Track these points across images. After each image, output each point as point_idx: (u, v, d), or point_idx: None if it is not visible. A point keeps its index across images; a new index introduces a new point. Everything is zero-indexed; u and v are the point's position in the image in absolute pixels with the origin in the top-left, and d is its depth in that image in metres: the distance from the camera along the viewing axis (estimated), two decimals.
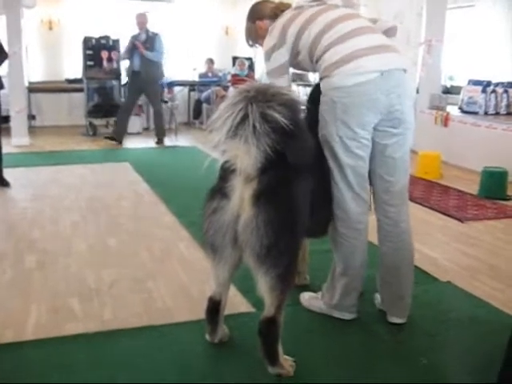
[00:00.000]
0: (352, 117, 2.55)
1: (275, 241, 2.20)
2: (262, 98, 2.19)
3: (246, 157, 2.18)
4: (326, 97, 2.60)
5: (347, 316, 2.86)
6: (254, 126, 2.15)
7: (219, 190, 2.31)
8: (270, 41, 2.76)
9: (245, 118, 2.16)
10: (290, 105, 2.24)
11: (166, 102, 10.20)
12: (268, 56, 2.76)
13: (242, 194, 2.23)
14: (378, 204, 2.79)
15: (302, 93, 10.95)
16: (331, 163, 2.66)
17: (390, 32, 2.83)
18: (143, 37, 8.47)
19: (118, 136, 8.53)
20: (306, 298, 3.05)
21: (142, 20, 8.56)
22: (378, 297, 3.03)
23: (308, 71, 2.67)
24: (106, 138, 8.59)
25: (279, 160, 2.20)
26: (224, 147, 2.23)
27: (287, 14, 2.78)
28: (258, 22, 2.98)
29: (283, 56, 2.73)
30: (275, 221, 2.21)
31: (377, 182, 2.75)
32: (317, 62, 2.65)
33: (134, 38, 8.47)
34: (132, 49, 8.42)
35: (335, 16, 2.67)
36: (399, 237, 2.79)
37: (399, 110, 2.59)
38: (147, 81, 8.43)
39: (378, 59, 2.54)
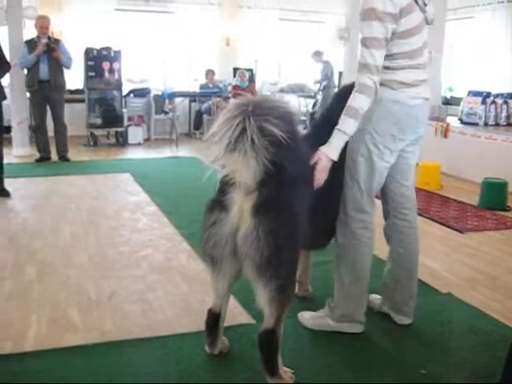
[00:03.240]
0: (400, 132, 2.68)
1: (275, 252, 2.21)
2: (260, 111, 2.21)
3: (245, 170, 2.20)
4: (383, 106, 2.65)
5: (358, 329, 2.86)
6: (253, 140, 2.17)
7: (219, 202, 2.33)
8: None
9: (243, 132, 2.18)
10: (286, 118, 2.28)
11: (166, 112, 10.25)
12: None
13: (241, 206, 2.25)
14: (394, 209, 2.89)
15: (302, 104, 11.03)
16: (361, 167, 2.71)
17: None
18: (44, 42, 7.64)
19: (46, 154, 7.96)
20: (306, 317, 2.99)
21: (44, 24, 7.75)
22: (375, 301, 3.10)
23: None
24: (37, 160, 7.89)
25: (278, 172, 2.22)
26: (223, 161, 2.25)
27: None
28: None
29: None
30: (275, 232, 2.22)
31: (393, 187, 2.86)
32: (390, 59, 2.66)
33: (37, 42, 7.63)
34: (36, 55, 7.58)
35: (424, 40, 2.70)
36: (414, 238, 2.94)
37: (422, 130, 2.82)
38: (55, 90, 7.73)
39: (425, 89, 2.72)
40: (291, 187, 2.33)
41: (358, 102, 2.52)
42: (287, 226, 2.28)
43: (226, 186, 2.30)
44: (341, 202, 2.80)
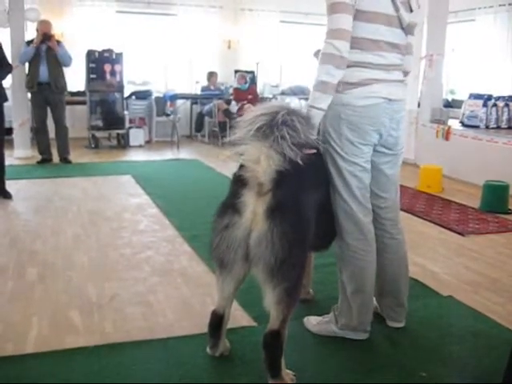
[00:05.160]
0: (358, 135, 2.61)
1: (288, 255, 2.22)
2: (296, 116, 2.32)
3: (267, 163, 2.22)
4: (333, 111, 2.60)
5: (362, 336, 2.83)
6: (283, 137, 2.24)
7: (231, 205, 2.32)
8: None
9: (282, 124, 2.26)
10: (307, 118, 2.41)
11: (168, 114, 10.26)
12: None
13: (255, 208, 2.25)
14: (374, 219, 2.82)
15: (303, 106, 11.02)
16: (335, 177, 2.68)
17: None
18: (45, 46, 7.68)
19: (48, 156, 7.97)
20: (313, 323, 2.96)
21: (47, 29, 7.74)
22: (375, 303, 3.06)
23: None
24: (39, 162, 7.89)
25: (291, 174, 2.24)
26: (244, 148, 2.28)
27: None
28: None
29: None
30: (289, 234, 2.23)
31: (371, 198, 2.79)
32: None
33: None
34: (35, 57, 7.65)
35: (389, 40, 2.61)
36: (396, 248, 2.89)
37: (394, 135, 2.72)
38: (56, 92, 7.74)
39: (385, 89, 2.61)
40: (303, 189, 2.36)
41: (321, 72, 2.46)
42: (299, 228, 2.30)
43: (238, 187, 2.30)
44: (334, 216, 2.75)
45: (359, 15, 2.49)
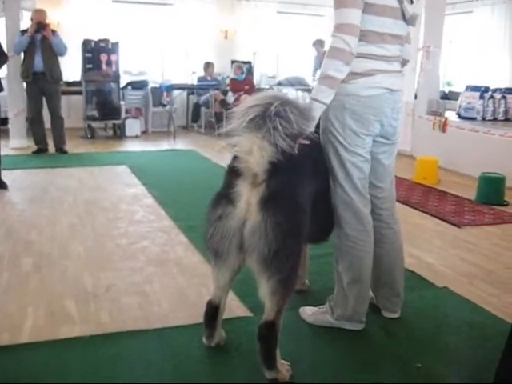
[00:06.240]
0: (362, 125, 2.62)
1: (283, 245, 2.22)
2: (289, 106, 2.29)
3: (259, 153, 2.22)
4: (337, 102, 2.58)
5: (358, 326, 2.84)
6: (276, 127, 2.22)
7: (225, 196, 2.32)
8: None
9: (275, 115, 2.24)
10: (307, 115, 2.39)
11: (164, 105, 10.23)
12: None
13: (248, 199, 2.24)
14: (371, 210, 2.82)
15: (300, 97, 11.00)
16: (336, 167, 2.68)
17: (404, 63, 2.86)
18: (39, 36, 7.64)
19: (43, 146, 7.97)
20: (308, 313, 2.96)
21: (42, 18, 7.69)
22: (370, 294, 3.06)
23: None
24: (34, 152, 7.88)
25: (286, 166, 2.24)
26: (238, 139, 2.27)
27: None
28: None
29: None
30: (283, 225, 2.22)
31: (368, 189, 2.79)
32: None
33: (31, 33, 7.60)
34: (30, 46, 7.62)
35: (394, 33, 2.63)
36: (393, 238, 2.91)
37: (393, 125, 2.75)
38: (51, 82, 7.71)
39: (387, 79, 2.64)
40: (298, 180, 2.35)
41: (330, 67, 2.44)
42: (294, 219, 2.29)
43: (232, 178, 2.29)
44: (333, 206, 2.75)
45: (367, 8, 2.50)
